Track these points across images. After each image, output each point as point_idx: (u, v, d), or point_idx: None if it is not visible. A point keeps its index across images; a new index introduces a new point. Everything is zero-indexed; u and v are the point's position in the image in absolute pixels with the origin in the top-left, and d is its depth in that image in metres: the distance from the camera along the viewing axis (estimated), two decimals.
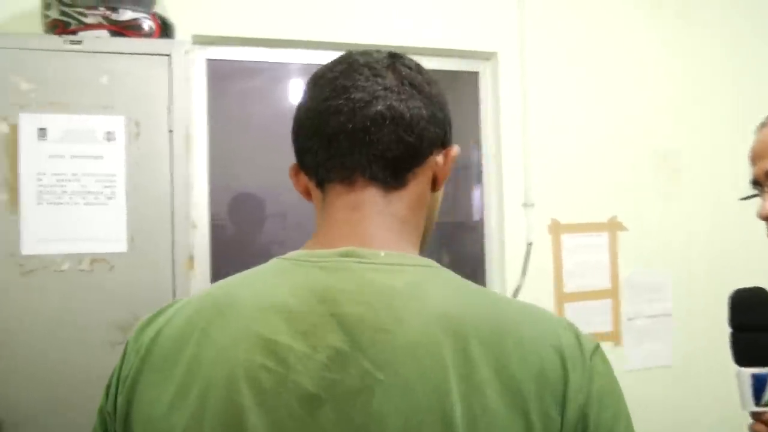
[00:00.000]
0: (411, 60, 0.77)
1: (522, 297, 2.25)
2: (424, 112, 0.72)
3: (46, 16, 1.62)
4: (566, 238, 2.33)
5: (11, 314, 1.43)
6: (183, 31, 1.91)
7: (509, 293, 2.26)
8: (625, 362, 2.35)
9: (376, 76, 0.72)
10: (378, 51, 0.76)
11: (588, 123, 2.38)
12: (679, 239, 2.45)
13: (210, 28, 2.04)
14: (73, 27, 1.59)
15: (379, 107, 0.70)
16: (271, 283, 0.68)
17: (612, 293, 2.37)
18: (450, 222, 2.44)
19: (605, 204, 2.39)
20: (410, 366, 0.60)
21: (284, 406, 0.61)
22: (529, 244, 2.29)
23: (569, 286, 2.32)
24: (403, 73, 0.73)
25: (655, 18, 2.47)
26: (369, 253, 0.67)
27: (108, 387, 0.71)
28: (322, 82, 0.74)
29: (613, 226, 2.39)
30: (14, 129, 1.46)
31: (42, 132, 1.47)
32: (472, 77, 2.38)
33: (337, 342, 0.62)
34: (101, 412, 0.72)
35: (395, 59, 0.75)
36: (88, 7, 1.59)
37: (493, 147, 2.35)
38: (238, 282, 0.71)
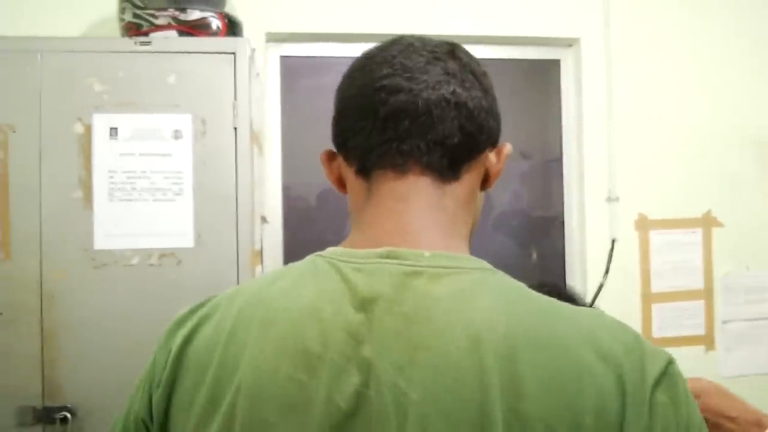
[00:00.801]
0: (465, 49, 0.72)
1: (605, 296, 2.14)
2: (484, 103, 0.68)
3: (121, 20, 1.68)
4: (655, 235, 2.19)
5: (84, 306, 1.49)
6: (256, 29, 1.94)
7: (591, 293, 2.15)
8: (720, 368, 2.19)
9: (437, 59, 0.67)
10: (431, 38, 0.71)
11: (678, 111, 2.22)
12: None
13: (283, 26, 2.06)
14: (145, 29, 1.64)
15: (442, 91, 0.65)
16: (304, 285, 0.63)
17: (705, 294, 2.21)
18: (541, 216, 2.34)
19: (698, 198, 2.22)
20: (450, 390, 0.55)
21: (313, 423, 0.57)
22: (614, 241, 2.16)
23: (657, 286, 2.18)
24: (464, 60, 0.69)
25: None
26: (412, 254, 0.61)
27: (137, 392, 0.69)
28: (378, 59, 0.68)
29: (708, 222, 2.22)
30: (88, 129, 1.52)
31: (113, 131, 1.53)
32: (554, 66, 2.28)
33: (372, 355, 0.57)
34: (128, 418, 0.69)
35: (454, 47, 0.71)
36: (159, 9, 1.64)
37: (574, 139, 2.24)
38: (271, 281, 0.66)
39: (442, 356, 0.56)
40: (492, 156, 0.70)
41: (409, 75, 0.66)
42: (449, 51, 0.69)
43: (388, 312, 0.58)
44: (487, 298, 0.59)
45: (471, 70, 0.68)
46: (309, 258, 0.66)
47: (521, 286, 0.63)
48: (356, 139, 0.68)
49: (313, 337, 0.59)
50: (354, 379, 0.57)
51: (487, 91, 0.69)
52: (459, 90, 0.66)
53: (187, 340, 0.65)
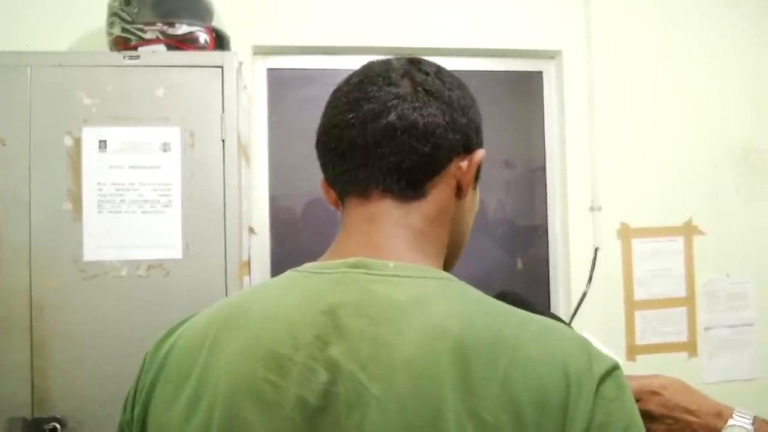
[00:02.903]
0: (431, 64, 0.74)
1: (588, 304, 2.17)
2: (441, 119, 0.70)
3: (110, 34, 1.71)
4: (637, 243, 2.23)
5: (74, 317, 1.51)
6: (243, 42, 1.97)
7: (574, 301, 2.18)
8: (703, 374, 2.23)
9: (389, 85, 0.70)
10: (398, 58, 0.75)
11: (659, 121, 2.26)
12: (761, 244, 2.29)
13: (269, 39, 2.09)
14: (134, 43, 1.66)
15: (390, 117, 0.68)
16: (279, 294, 0.68)
17: (687, 301, 2.25)
18: (525, 225, 2.37)
19: (679, 207, 2.27)
20: (407, 383, 0.58)
21: (287, 419, 0.61)
22: (597, 250, 2.20)
23: (640, 294, 2.22)
24: (418, 79, 0.71)
25: (734, 8, 2.33)
26: (377, 264, 0.66)
27: (126, 400, 0.73)
28: (339, 95, 0.74)
29: (689, 230, 2.27)
30: (78, 142, 1.54)
31: (103, 144, 1.55)
32: (537, 77, 2.32)
33: (338, 355, 0.61)
34: (120, 427, 0.73)
35: (412, 65, 0.73)
36: (147, 23, 1.66)
37: (557, 149, 2.28)
38: (250, 293, 0.72)
39: (401, 353, 0.59)
40: (463, 164, 0.72)
41: (358, 108, 0.70)
42: (405, 72, 0.72)
43: (353, 315, 0.62)
44: (445, 302, 0.63)
45: (426, 89, 0.70)
46: (287, 272, 0.71)
47: (478, 293, 0.66)
48: (327, 171, 0.75)
49: (284, 341, 0.63)
50: (322, 378, 0.60)
51: (449, 104, 0.71)
52: (407, 112, 0.68)
53: (171, 348, 0.70)
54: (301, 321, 0.63)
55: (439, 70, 0.74)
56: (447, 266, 0.76)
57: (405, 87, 0.70)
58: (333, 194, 0.77)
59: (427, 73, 0.72)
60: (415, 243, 0.70)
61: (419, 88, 0.70)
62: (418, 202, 0.70)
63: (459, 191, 0.73)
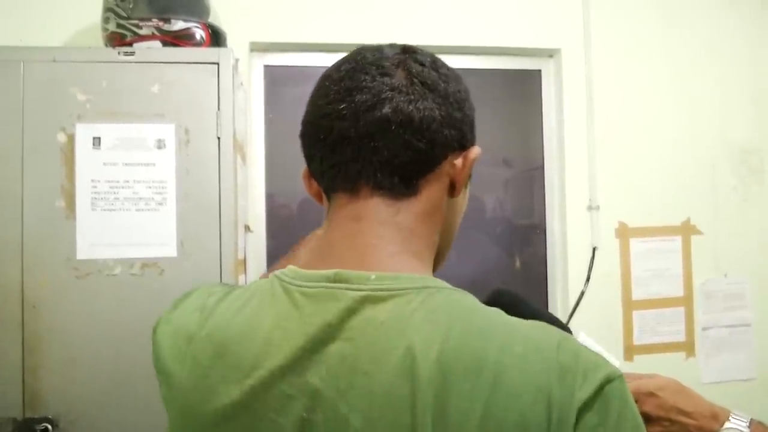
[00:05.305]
0: (427, 54, 0.71)
1: (586, 304, 2.17)
2: (437, 113, 0.66)
3: (105, 30, 1.69)
4: (635, 243, 2.22)
5: (67, 316, 1.49)
6: (240, 39, 1.95)
7: (572, 300, 2.17)
8: (700, 375, 2.22)
9: (383, 75, 0.66)
10: (392, 45, 0.71)
11: (658, 121, 2.25)
12: (758, 244, 2.29)
13: (266, 35, 2.07)
14: (129, 39, 1.64)
15: (385, 110, 0.64)
16: (259, 312, 0.65)
17: (685, 301, 2.24)
18: (523, 224, 2.36)
19: (678, 206, 2.26)
20: (384, 416, 0.56)
21: None
22: (594, 249, 2.19)
23: (638, 294, 2.21)
24: (414, 70, 0.67)
25: (734, 8, 2.32)
26: (358, 277, 0.62)
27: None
28: (328, 83, 0.69)
29: (687, 230, 2.26)
30: (71, 138, 1.52)
31: (97, 141, 1.53)
32: (535, 76, 2.31)
33: (317, 381, 0.59)
34: None
35: (407, 54, 0.69)
36: (143, 19, 1.64)
37: (555, 148, 2.27)
38: (229, 305, 0.68)
39: (378, 382, 0.57)
40: (458, 162, 0.69)
41: (350, 98, 0.66)
42: (400, 62, 0.68)
43: (333, 338, 0.60)
44: (427, 320, 0.59)
45: (422, 81, 0.67)
46: (269, 279, 0.68)
47: (464, 303, 0.63)
48: (313, 164, 0.71)
49: (263, 366, 0.61)
50: (299, 405, 0.59)
51: (446, 98, 0.68)
52: (403, 105, 0.65)
53: (159, 344, 0.71)
54: (280, 344, 0.61)
55: (434, 61, 0.71)
56: (435, 266, 0.72)
57: (400, 78, 0.67)
58: (315, 186, 0.73)
59: (422, 64, 0.69)
60: (404, 243, 0.67)
61: (415, 80, 0.67)
62: (410, 200, 0.67)
63: (452, 189, 0.71)
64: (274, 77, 2.15)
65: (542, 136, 2.29)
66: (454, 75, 0.71)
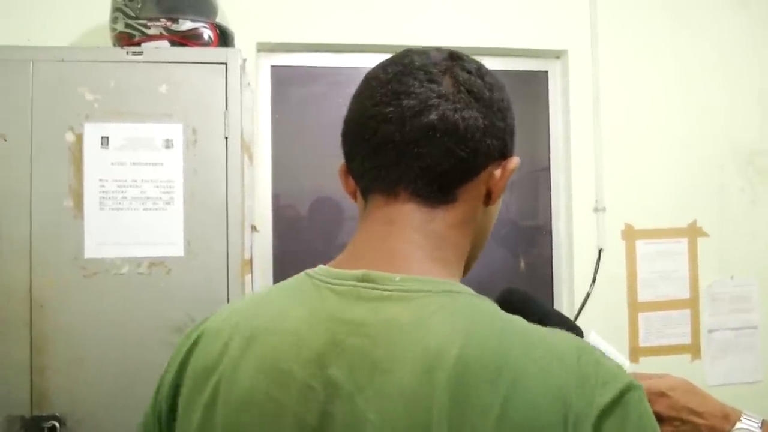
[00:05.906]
0: (473, 61, 0.71)
1: (592, 305, 2.16)
2: (481, 122, 0.66)
3: (113, 30, 1.69)
4: (641, 245, 2.22)
5: (74, 315, 1.49)
6: (247, 39, 1.95)
7: (578, 302, 2.17)
8: (706, 377, 2.21)
9: (431, 81, 0.67)
10: (439, 49, 0.71)
11: (665, 122, 2.25)
12: (765, 246, 2.28)
13: (273, 36, 2.07)
14: (137, 39, 1.65)
15: (431, 117, 0.65)
16: (289, 306, 0.67)
17: (691, 303, 2.23)
18: (529, 225, 2.36)
19: (684, 208, 2.25)
20: (401, 411, 0.57)
21: None
22: (600, 251, 2.19)
23: (644, 296, 2.20)
24: (461, 78, 0.68)
25: (743, 8, 2.31)
26: (383, 278, 0.64)
27: (155, 392, 0.74)
28: (375, 83, 0.69)
29: (693, 232, 2.25)
30: (79, 138, 1.53)
31: (105, 140, 1.53)
32: (542, 77, 2.31)
33: (338, 375, 0.60)
34: (146, 414, 0.74)
35: (455, 61, 0.69)
36: (151, 19, 1.65)
37: (562, 149, 2.27)
38: (261, 299, 0.71)
39: (397, 381, 0.58)
40: (497, 172, 0.69)
41: (397, 102, 0.66)
42: (447, 68, 0.68)
43: (356, 334, 0.61)
44: (448, 322, 0.60)
45: (468, 89, 0.67)
46: (300, 276, 0.70)
47: (484, 308, 0.63)
48: (354, 162, 0.71)
49: (289, 357, 0.62)
50: (320, 397, 0.60)
51: (490, 107, 0.68)
52: (449, 113, 0.65)
53: (190, 353, 0.70)
54: (306, 336, 0.63)
55: (480, 68, 0.71)
56: (464, 273, 0.73)
57: (447, 85, 0.67)
58: (352, 184, 0.74)
59: (469, 72, 0.69)
60: (434, 249, 0.67)
61: (461, 88, 0.67)
62: (446, 208, 0.68)
63: (487, 198, 0.71)
64: (281, 77, 2.15)
65: (548, 137, 2.29)
66: (498, 83, 0.71)
